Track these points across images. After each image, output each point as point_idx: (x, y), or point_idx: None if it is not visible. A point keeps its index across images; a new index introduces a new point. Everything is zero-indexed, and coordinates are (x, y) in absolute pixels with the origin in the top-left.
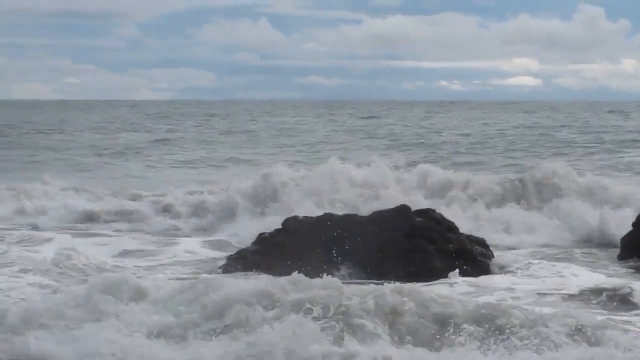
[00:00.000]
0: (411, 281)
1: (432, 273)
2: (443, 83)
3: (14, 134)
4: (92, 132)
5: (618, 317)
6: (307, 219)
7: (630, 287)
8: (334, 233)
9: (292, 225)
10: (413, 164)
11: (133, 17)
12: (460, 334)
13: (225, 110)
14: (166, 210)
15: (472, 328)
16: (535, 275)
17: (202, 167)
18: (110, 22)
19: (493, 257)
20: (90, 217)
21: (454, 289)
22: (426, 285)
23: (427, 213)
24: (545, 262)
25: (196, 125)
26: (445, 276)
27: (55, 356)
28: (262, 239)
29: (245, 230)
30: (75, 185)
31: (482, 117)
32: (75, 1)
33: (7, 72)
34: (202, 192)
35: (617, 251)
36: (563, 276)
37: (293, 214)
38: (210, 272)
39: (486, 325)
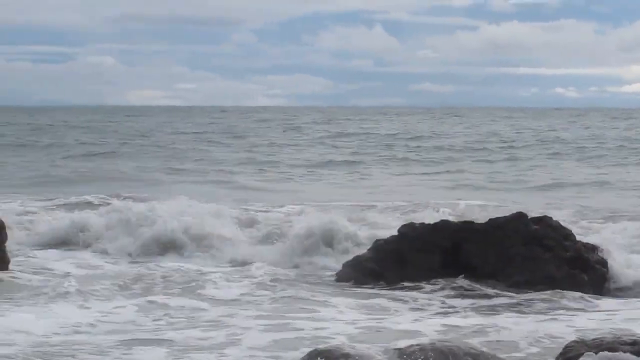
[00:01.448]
0: (528, 289)
1: (548, 281)
2: (559, 90)
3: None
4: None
5: None
6: (423, 225)
7: None
8: (451, 240)
9: (408, 232)
10: None
11: (249, 23)
12: None
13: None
14: None
15: None
16: None
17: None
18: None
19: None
20: None
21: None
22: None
23: (543, 220)
24: None
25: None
26: (562, 286)
27: None
28: (377, 245)
29: None
30: None
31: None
32: (191, 8)
33: (122, 79)
34: None
35: None
36: None
37: None
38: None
39: None
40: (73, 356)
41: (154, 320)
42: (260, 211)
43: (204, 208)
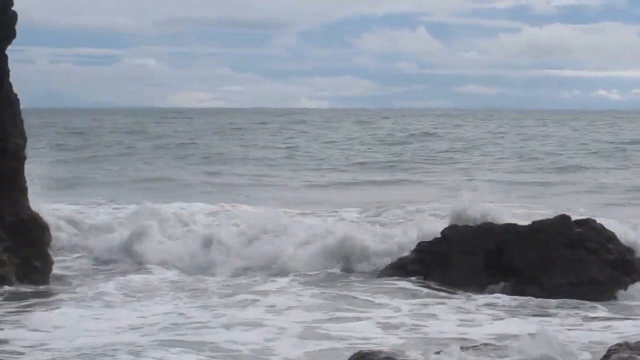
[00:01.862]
0: (571, 292)
1: (591, 284)
2: (601, 92)
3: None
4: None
5: None
6: (466, 227)
7: None
8: (494, 243)
9: (452, 235)
10: None
11: (294, 25)
12: None
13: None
14: None
15: None
16: None
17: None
18: (272, 31)
19: None
20: None
21: None
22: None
23: (587, 223)
24: None
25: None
26: (606, 289)
27: None
28: (421, 247)
29: None
30: None
31: None
32: (238, 10)
33: (170, 80)
34: None
35: None
36: None
37: None
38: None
39: None
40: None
41: None
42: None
43: None
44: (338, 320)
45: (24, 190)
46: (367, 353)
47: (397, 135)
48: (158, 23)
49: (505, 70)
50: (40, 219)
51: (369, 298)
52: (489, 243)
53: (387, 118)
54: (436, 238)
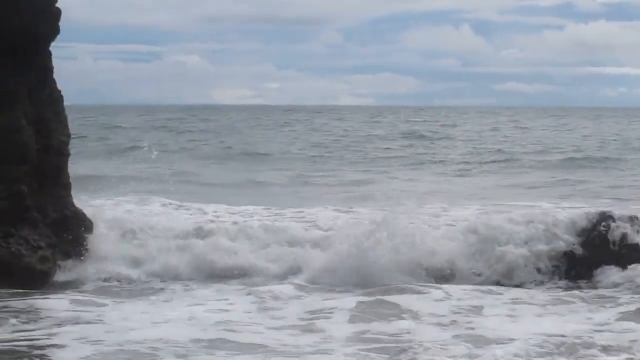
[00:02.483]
0: None
1: None
2: None
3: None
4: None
5: None
6: None
7: None
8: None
9: None
10: None
11: (335, 23)
12: None
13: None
14: None
15: None
16: None
17: None
18: (313, 28)
19: None
20: None
21: None
22: None
23: None
24: None
25: None
26: None
27: None
28: None
29: None
30: None
31: None
32: (279, 7)
33: (210, 77)
34: None
35: None
36: None
37: None
38: None
39: None
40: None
41: None
42: None
43: None
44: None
45: (67, 187)
46: None
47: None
48: (199, 20)
49: (549, 67)
50: (84, 215)
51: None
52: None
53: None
54: None
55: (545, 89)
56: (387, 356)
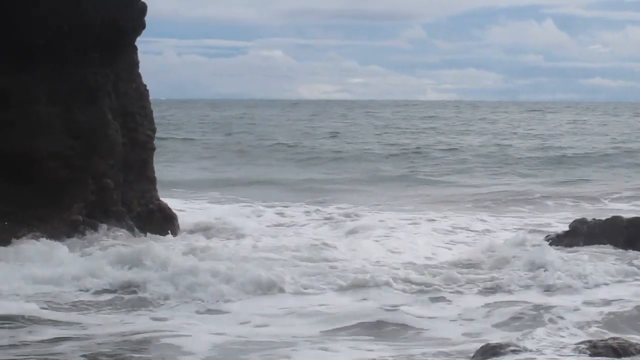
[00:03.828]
0: None
1: None
2: None
3: None
4: None
5: None
6: (594, 221)
7: None
8: (622, 236)
9: (579, 227)
10: None
11: (420, 18)
12: None
13: None
14: None
15: None
16: None
17: None
18: (397, 24)
19: None
20: None
21: None
22: None
23: None
24: None
25: None
26: None
27: None
28: (548, 240)
29: None
30: None
31: None
32: (362, 2)
33: (294, 73)
34: None
35: None
36: None
37: None
38: None
39: None
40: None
41: None
42: None
43: None
44: None
45: (152, 181)
46: (494, 346)
47: None
48: (282, 15)
49: (633, 63)
50: (169, 209)
51: None
52: (617, 236)
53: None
54: (564, 231)
55: (631, 84)
56: None
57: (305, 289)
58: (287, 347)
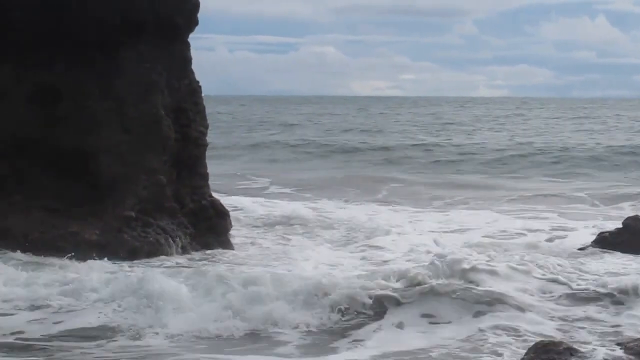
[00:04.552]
0: None
1: None
2: None
3: None
4: None
5: None
6: None
7: None
8: None
9: (632, 224)
10: None
11: (471, 14)
12: None
13: None
14: None
15: None
16: None
17: None
18: (449, 20)
19: None
20: None
21: None
22: None
23: None
24: None
25: None
26: None
27: None
28: (601, 238)
29: None
30: None
31: None
32: None
33: (346, 69)
34: None
35: None
36: None
37: None
38: None
39: None
40: None
41: None
42: None
43: None
44: None
45: (205, 177)
46: (547, 343)
47: None
48: (334, 11)
49: None
50: (222, 205)
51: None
52: None
53: None
54: (617, 228)
55: None
56: None
57: None
58: None
